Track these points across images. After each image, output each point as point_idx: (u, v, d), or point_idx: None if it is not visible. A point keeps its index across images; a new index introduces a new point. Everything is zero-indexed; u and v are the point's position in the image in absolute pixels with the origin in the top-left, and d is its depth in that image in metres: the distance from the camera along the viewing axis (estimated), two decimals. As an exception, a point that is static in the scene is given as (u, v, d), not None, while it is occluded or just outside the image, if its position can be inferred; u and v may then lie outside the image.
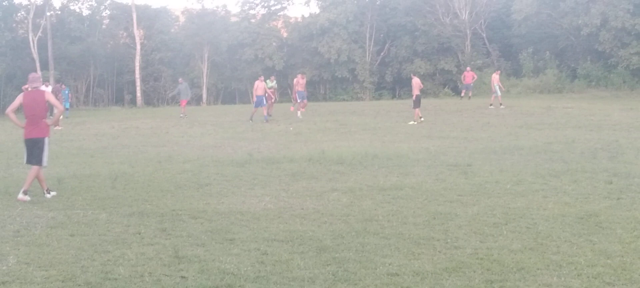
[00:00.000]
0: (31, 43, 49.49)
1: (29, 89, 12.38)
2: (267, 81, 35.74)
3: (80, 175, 14.83)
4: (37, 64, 48.60)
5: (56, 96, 31.66)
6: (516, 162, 15.72)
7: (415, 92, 27.68)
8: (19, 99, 12.27)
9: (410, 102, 29.14)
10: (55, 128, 29.36)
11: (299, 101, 33.27)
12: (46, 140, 12.22)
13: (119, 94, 57.46)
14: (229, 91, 57.23)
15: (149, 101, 53.89)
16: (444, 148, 18.70)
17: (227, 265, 7.35)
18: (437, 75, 54.15)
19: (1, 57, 47.58)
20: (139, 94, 51.78)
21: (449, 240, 8.45)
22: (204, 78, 55.27)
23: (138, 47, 52.31)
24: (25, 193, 11.82)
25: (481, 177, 13.70)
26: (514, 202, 11.04)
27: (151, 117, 31.89)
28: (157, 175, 14.63)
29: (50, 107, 13.47)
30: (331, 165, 15.66)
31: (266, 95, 30.82)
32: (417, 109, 27.42)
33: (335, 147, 19.60)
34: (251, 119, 29.89)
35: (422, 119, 27.45)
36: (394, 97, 53.96)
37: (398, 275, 6.90)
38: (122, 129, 28.53)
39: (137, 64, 52.32)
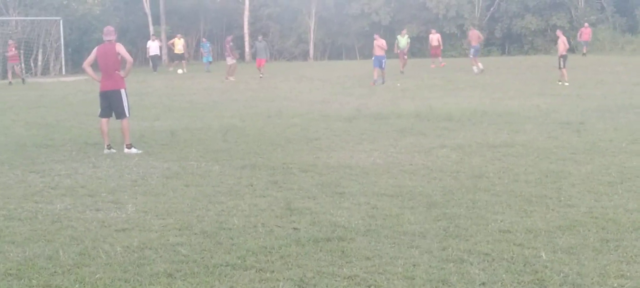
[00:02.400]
0: (144, -2, 50.63)
1: (104, 42, 12.48)
2: (398, 37, 35.20)
3: (193, 128, 15.18)
4: (149, 19, 49.68)
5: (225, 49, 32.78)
6: (632, 121, 15.23)
7: (561, 51, 25.54)
8: (93, 53, 12.50)
9: (556, 60, 26.37)
10: (229, 79, 30.39)
11: (472, 57, 32.23)
12: (123, 91, 12.40)
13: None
14: (336, 46, 57.19)
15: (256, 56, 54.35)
16: (556, 106, 18.27)
17: (338, 218, 7.42)
18: (549, 31, 52.67)
19: (115, 12, 48.89)
20: (247, 49, 52.34)
21: (562, 199, 8.29)
22: (311, 33, 55.39)
23: (247, 1, 52.79)
24: (129, 147, 12.20)
25: (595, 135, 13.34)
26: (630, 161, 10.71)
27: (258, 72, 32.24)
28: (267, 129, 14.85)
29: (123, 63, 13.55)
30: (439, 121, 15.55)
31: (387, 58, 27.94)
32: (564, 69, 25.26)
33: (443, 103, 19.43)
34: (382, 82, 26.92)
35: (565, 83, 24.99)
36: (503, 53, 52.86)
37: (510, 232, 6.83)
38: (231, 83, 29.00)
39: (245, 20, 52.86)
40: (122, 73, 12.51)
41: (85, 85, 28.20)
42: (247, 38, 52.88)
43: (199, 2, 54.15)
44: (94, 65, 12.48)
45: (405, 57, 33.79)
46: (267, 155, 11.57)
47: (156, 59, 39.85)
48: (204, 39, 40.36)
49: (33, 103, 21.95)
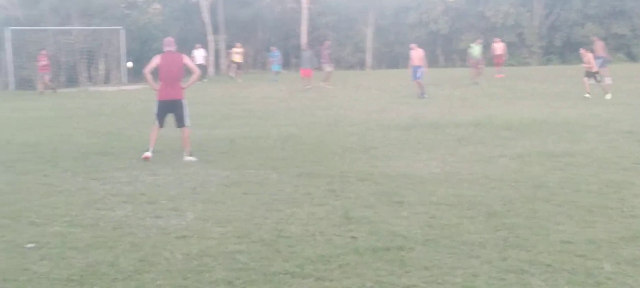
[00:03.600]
0: (203, 7, 51.08)
1: (165, 52, 12.63)
2: (472, 45, 34.57)
3: (251, 136, 15.27)
4: (208, 28, 50.20)
5: (320, 56, 32.68)
6: (698, 131, 14.89)
7: (592, 67, 24.20)
8: (156, 60, 12.57)
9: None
10: (325, 86, 30.37)
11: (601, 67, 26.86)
12: (184, 101, 12.58)
13: (285, 58, 58.52)
14: (393, 55, 57.04)
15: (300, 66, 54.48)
16: (617, 115, 17.94)
17: (396, 227, 7.39)
18: (609, 39, 51.81)
19: (175, 22, 49.51)
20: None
21: (624, 209, 8.13)
22: (368, 42, 55.35)
23: (305, 11, 52.99)
24: (190, 154, 12.37)
25: (658, 145, 13.08)
26: (696, 171, 10.48)
27: (315, 80, 32.27)
28: (325, 138, 14.86)
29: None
30: (498, 130, 15.38)
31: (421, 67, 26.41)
32: (586, 79, 24.17)
33: (502, 112, 19.22)
34: (423, 94, 25.43)
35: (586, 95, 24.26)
36: (563, 62, 52.16)
37: (571, 243, 6.72)
38: (289, 92, 29.11)
39: (303, 29, 53.05)
40: (183, 84, 12.65)
41: (144, 94, 28.55)
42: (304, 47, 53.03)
43: (257, 12, 54.55)
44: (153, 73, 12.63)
45: (480, 66, 33.17)
46: (325, 164, 11.58)
47: (201, 68, 40.01)
48: (273, 48, 40.49)
49: (94, 111, 22.32)
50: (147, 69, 12.60)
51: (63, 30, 41.69)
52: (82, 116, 20.79)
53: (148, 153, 12.27)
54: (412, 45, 27.61)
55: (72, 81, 40.90)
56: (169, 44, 12.70)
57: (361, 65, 55.35)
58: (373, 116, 19.15)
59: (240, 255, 6.48)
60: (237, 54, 38.79)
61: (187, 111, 12.59)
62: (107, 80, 43.07)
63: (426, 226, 7.43)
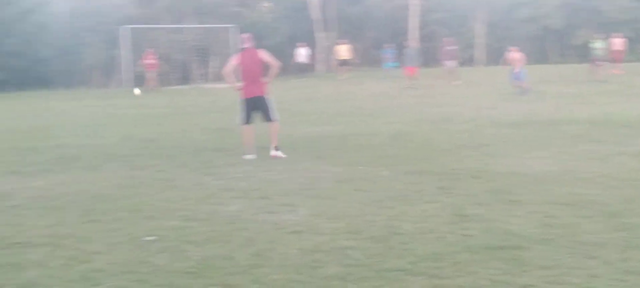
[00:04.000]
0: (312, 5, 51.38)
1: (243, 49, 12.58)
2: (595, 41, 33.24)
3: (361, 133, 15.28)
4: (317, 25, 50.49)
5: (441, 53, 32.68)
6: None
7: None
8: (235, 59, 12.56)
9: None
10: (454, 83, 30.07)
11: None
12: (267, 96, 12.53)
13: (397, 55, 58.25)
14: (504, 51, 56.06)
15: (426, 62, 54.11)
16: None
17: (511, 225, 7.24)
18: None
19: (284, 19, 49.99)
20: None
21: None
22: (479, 38, 54.53)
23: (415, 8, 52.60)
24: (276, 149, 12.39)
25: None
26: None
27: (424, 77, 32.05)
28: (435, 135, 14.75)
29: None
30: (617, 128, 14.90)
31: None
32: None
33: (620, 109, 18.62)
34: (522, 91, 24.57)
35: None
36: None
37: (697, 245, 6.45)
38: (399, 89, 29.00)
39: (412, 25, 52.70)
40: (266, 79, 12.58)
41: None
42: (415, 44, 52.68)
43: (367, 9, 54.53)
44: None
45: (603, 62, 32.14)
46: (436, 161, 11.47)
47: (304, 67, 40.21)
48: (387, 45, 40.34)
49: (207, 108, 22.81)
50: (227, 69, 12.58)
51: (176, 29, 42.72)
52: (195, 113, 21.26)
53: (250, 156, 12.27)
54: (512, 49, 26.68)
55: (184, 79, 41.93)
56: (247, 40, 12.64)
57: (471, 61, 54.60)
58: (484, 113, 18.85)
59: (352, 251, 6.48)
60: (343, 51, 38.86)
61: (272, 105, 12.55)
62: (218, 78, 43.87)
63: (542, 225, 7.26)
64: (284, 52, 39.18)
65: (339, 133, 15.32)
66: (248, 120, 12.59)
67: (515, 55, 26.13)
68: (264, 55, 12.51)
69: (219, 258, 6.37)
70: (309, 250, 6.57)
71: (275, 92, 13.89)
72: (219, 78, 43.04)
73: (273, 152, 12.31)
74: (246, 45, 12.54)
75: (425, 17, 54.88)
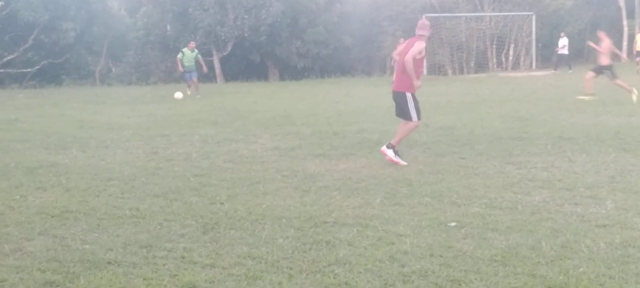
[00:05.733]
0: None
1: (414, 36, 11.07)
2: None
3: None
4: (623, 13, 47.92)
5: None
6: None
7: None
8: (401, 45, 11.32)
9: None
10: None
11: None
12: (407, 95, 10.98)
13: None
14: None
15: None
16: None
17: None
18: None
19: (586, 6, 48.01)
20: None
21: None
22: None
23: None
24: (390, 146, 11.04)
25: None
26: None
27: None
28: None
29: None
30: None
31: None
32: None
33: None
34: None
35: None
36: None
37: None
38: None
39: None
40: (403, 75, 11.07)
41: (555, 80, 28.26)
42: None
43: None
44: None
45: None
46: None
47: (563, 58, 37.77)
48: None
49: (505, 97, 22.53)
50: (409, 55, 10.84)
51: (476, 17, 42.65)
52: (494, 101, 21.09)
53: (388, 149, 11.05)
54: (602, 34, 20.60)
55: (481, 66, 41.78)
56: (422, 27, 11.06)
57: None
58: None
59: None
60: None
61: (411, 105, 11.00)
62: (515, 66, 43.24)
63: None
64: (584, 41, 37.49)
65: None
66: (396, 113, 11.55)
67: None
68: (413, 48, 10.82)
69: (524, 247, 6.30)
70: (618, 244, 6.32)
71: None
72: (515, 66, 42.52)
73: (384, 148, 11.12)
74: (420, 32, 10.98)
75: None
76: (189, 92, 26.84)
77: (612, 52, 20.31)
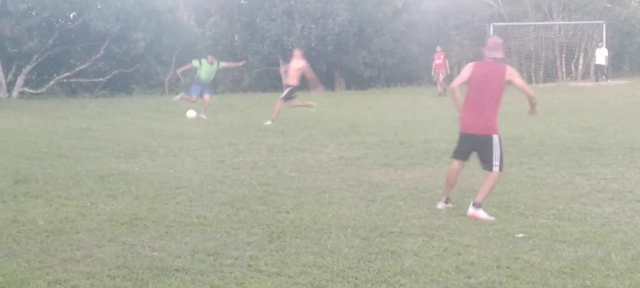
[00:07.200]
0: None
1: (484, 60, 8.58)
2: None
3: None
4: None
5: None
6: None
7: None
8: (468, 70, 8.57)
9: None
10: None
11: None
12: (495, 139, 8.36)
13: None
14: None
15: None
16: None
17: None
18: None
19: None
20: None
21: None
22: None
23: None
24: (476, 205, 8.22)
25: None
26: None
27: None
28: None
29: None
30: None
31: None
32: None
33: None
34: None
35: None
36: None
37: None
38: None
39: None
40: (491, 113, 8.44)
41: (626, 90, 27.70)
42: None
43: None
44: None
45: None
46: None
47: (600, 68, 36.75)
48: None
49: (575, 107, 22.19)
50: (457, 82, 8.68)
51: (544, 26, 42.05)
52: (563, 111, 20.79)
53: (441, 204, 8.73)
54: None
55: (550, 76, 41.15)
56: (494, 46, 8.45)
57: None
58: None
59: None
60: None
61: (497, 151, 8.36)
62: (585, 75, 42.49)
63: None
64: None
65: None
66: (458, 154, 8.82)
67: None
68: (513, 76, 8.39)
69: (593, 259, 6.22)
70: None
71: None
72: (585, 76, 41.79)
73: (471, 210, 8.23)
74: (492, 55, 8.42)
75: None
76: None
77: None
